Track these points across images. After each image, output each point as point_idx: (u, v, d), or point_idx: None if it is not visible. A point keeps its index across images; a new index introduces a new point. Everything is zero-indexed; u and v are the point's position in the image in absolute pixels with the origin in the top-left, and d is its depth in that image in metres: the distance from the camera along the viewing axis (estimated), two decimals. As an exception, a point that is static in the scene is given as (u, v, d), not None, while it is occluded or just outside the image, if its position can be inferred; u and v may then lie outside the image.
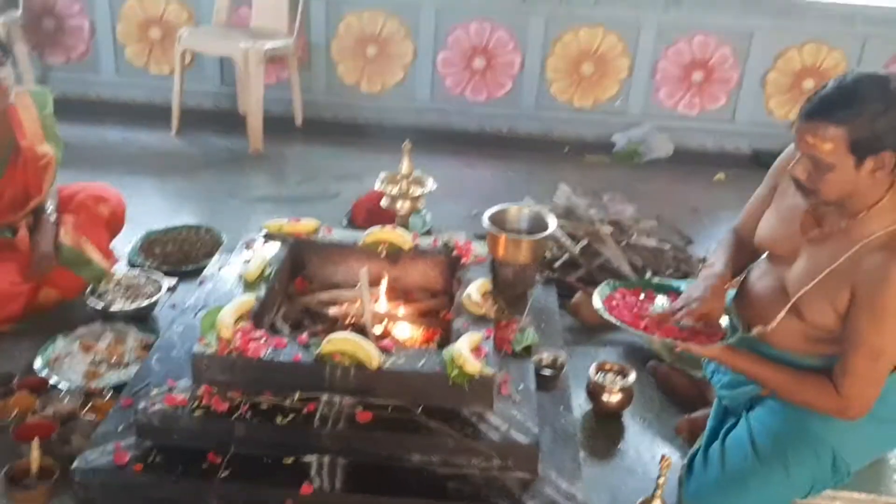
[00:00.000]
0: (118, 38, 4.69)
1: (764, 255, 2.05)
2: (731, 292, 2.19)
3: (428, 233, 3.27)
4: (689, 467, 1.96)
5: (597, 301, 1.94)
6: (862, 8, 4.38)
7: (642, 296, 2.02)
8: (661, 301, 1.98)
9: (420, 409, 1.87)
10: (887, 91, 1.60)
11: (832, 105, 1.63)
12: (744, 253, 2.05)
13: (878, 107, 1.59)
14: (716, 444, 1.94)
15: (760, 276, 2.01)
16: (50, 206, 2.72)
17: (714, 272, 1.93)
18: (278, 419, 1.84)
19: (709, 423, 2.08)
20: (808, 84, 4.52)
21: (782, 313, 1.83)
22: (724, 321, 1.90)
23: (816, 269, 1.78)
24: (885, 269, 1.64)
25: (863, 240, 1.72)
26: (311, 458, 1.84)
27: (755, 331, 1.88)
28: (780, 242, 1.91)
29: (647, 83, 4.61)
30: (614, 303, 1.97)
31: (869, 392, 1.74)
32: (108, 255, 2.84)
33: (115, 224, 2.96)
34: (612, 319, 1.88)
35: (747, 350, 1.86)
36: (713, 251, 2.13)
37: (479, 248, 2.50)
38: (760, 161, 4.50)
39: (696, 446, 2.03)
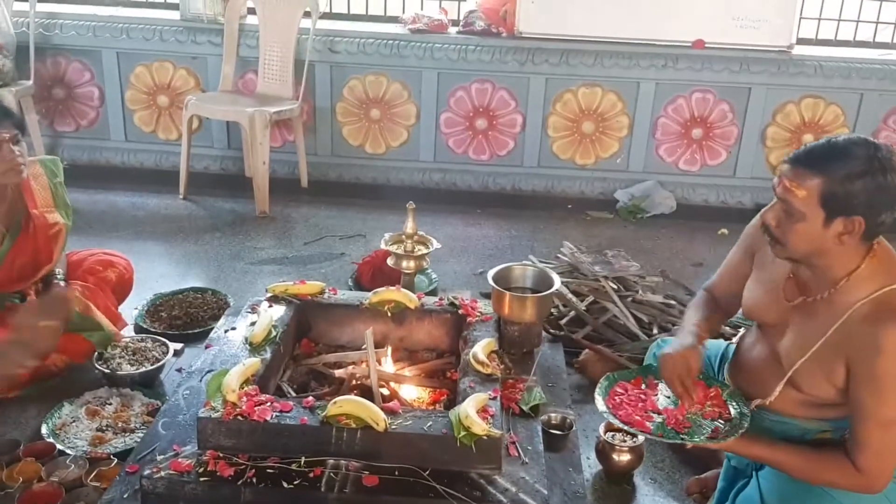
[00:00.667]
0: (127, 104, 4.79)
1: (754, 325, 2.07)
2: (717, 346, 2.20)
3: (433, 292, 3.28)
4: (702, 528, 1.93)
5: (600, 403, 1.93)
6: (857, 62, 4.46)
7: (643, 385, 2.01)
8: (664, 391, 1.97)
9: (427, 471, 1.85)
10: (873, 157, 1.61)
11: (817, 155, 1.66)
12: (716, 314, 2.11)
13: (859, 168, 1.61)
14: (727, 505, 1.91)
15: (753, 344, 2.02)
16: (59, 273, 2.74)
17: (687, 343, 1.94)
18: (285, 484, 1.82)
19: (719, 484, 2.05)
20: (808, 138, 4.57)
21: (779, 387, 1.84)
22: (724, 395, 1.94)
23: (807, 341, 1.78)
24: (876, 340, 1.64)
25: (848, 309, 1.71)
26: (318, 524, 1.82)
27: (754, 404, 1.89)
28: (766, 312, 1.93)
29: (647, 140, 4.67)
30: (617, 399, 1.96)
31: (888, 463, 1.72)
32: (117, 320, 2.85)
33: (123, 289, 2.98)
34: (625, 427, 1.87)
35: (758, 436, 1.85)
36: (687, 312, 2.15)
37: (485, 307, 2.50)
38: (763, 215, 4.53)
39: (707, 506, 2.00)
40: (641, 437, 2.17)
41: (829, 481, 1.77)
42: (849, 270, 1.72)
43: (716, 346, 2.46)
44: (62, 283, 2.73)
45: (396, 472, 1.85)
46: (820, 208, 1.64)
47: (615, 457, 2.29)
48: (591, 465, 2.34)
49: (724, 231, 4.29)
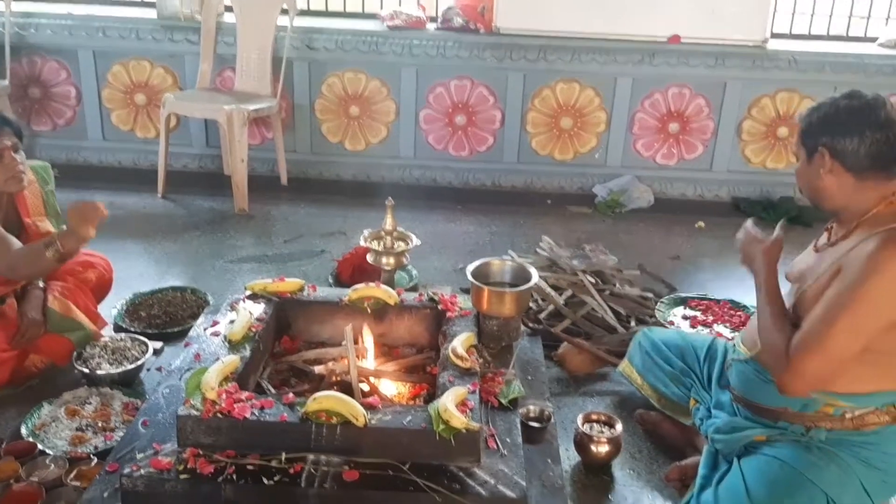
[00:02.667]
0: (104, 103, 4.76)
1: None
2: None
3: (414, 288, 3.29)
4: (682, 517, 1.96)
5: None
6: (831, 56, 4.51)
7: None
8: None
9: (407, 465, 1.87)
10: (836, 99, 1.88)
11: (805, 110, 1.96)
12: None
13: (814, 109, 1.91)
14: (708, 492, 1.94)
15: None
16: (38, 273, 2.73)
17: None
18: (265, 480, 1.83)
19: (700, 471, 2.08)
20: (783, 131, 4.63)
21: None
22: None
23: (813, 273, 1.93)
24: (873, 252, 1.75)
25: (857, 242, 1.84)
26: (299, 519, 1.83)
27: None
28: (800, 272, 2.03)
29: (624, 135, 4.70)
30: None
31: (813, 362, 1.78)
32: (97, 320, 2.84)
33: (102, 289, 2.97)
34: None
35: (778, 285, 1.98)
36: None
37: (464, 302, 2.52)
38: (739, 208, 4.58)
39: (688, 495, 2.03)
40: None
41: (771, 350, 1.88)
42: (862, 213, 1.88)
43: (700, 339, 2.50)
44: (41, 285, 2.72)
45: (377, 467, 1.87)
46: (801, 147, 1.93)
47: (593, 448, 2.32)
48: (569, 456, 2.37)
49: (701, 224, 4.33)
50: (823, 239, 2.02)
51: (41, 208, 2.71)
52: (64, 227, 2.69)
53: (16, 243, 2.53)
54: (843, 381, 1.87)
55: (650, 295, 3.30)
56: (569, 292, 3.19)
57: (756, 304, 1.99)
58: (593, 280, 3.26)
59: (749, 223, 2.12)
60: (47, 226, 2.69)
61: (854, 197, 1.88)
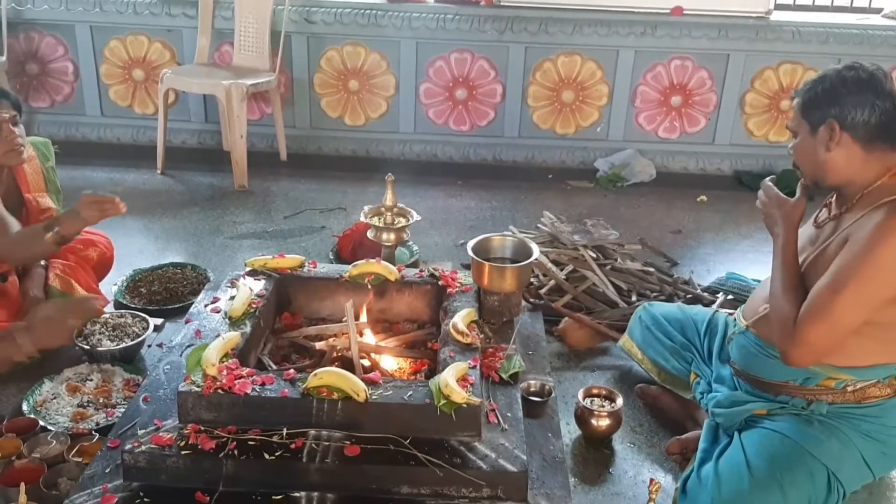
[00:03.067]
0: (102, 79, 4.73)
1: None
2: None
3: (415, 264, 3.29)
4: (683, 490, 1.96)
5: None
6: (835, 28, 4.47)
7: None
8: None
9: (408, 440, 1.87)
10: (839, 70, 1.87)
11: (800, 86, 1.96)
12: None
13: (820, 80, 1.88)
14: (709, 466, 1.94)
15: None
16: (41, 252, 2.72)
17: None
18: (266, 456, 1.83)
19: (700, 444, 2.08)
20: (786, 104, 4.59)
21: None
22: None
23: (815, 245, 1.93)
24: (882, 221, 1.75)
25: (862, 212, 1.84)
26: (301, 494, 1.83)
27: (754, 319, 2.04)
28: (801, 245, 2.00)
29: (626, 108, 4.67)
30: None
31: (819, 332, 1.79)
32: (98, 297, 2.84)
33: (103, 267, 2.97)
34: None
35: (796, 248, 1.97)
36: None
37: (465, 278, 2.51)
38: (742, 182, 4.56)
39: (688, 468, 2.03)
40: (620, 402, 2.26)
41: (779, 318, 1.88)
42: (866, 186, 1.87)
43: (701, 312, 2.50)
44: (42, 263, 2.72)
45: (378, 442, 1.87)
46: (804, 121, 1.91)
47: (594, 422, 2.32)
48: (570, 430, 2.37)
49: (703, 198, 4.31)
50: (824, 214, 2.01)
51: (42, 184, 2.70)
52: (63, 210, 2.69)
53: (14, 225, 2.52)
54: (843, 354, 1.87)
55: (652, 269, 3.29)
56: (570, 267, 3.18)
57: (772, 269, 1.96)
58: (594, 255, 3.25)
59: (767, 183, 2.06)
60: (48, 202, 2.68)
61: (860, 169, 1.87)
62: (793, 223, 1.94)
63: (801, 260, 1.95)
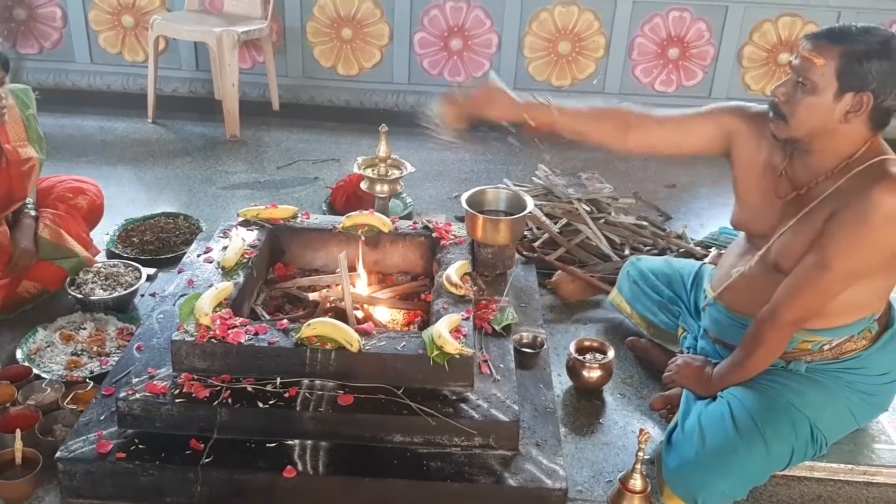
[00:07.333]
0: (91, 25, 4.63)
1: (740, 237, 2.12)
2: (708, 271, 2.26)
3: (408, 216, 3.28)
4: (669, 442, 1.99)
5: None
6: (836, -19, 4.40)
7: None
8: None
9: (401, 390, 1.89)
10: (889, 44, 1.69)
11: (837, 31, 1.74)
12: (602, 122, 2.24)
13: (878, 50, 1.67)
14: (692, 419, 1.95)
15: (740, 257, 2.07)
16: (29, 202, 2.70)
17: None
18: (260, 404, 1.85)
19: (683, 398, 2.10)
20: (784, 58, 4.54)
21: (758, 255, 1.93)
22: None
23: (789, 218, 1.87)
24: (871, 195, 1.69)
25: (839, 180, 1.78)
26: (294, 442, 1.86)
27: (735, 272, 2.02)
28: (760, 217, 1.98)
29: (623, 60, 4.61)
30: None
31: (801, 300, 1.80)
32: (89, 246, 2.82)
33: (94, 215, 2.95)
34: None
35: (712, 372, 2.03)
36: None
37: (459, 230, 2.51)
38: (737, 136, 4.53)
39: (673, 422, 2.06)
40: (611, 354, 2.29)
41: (753, 335, 1.91)
42: (844, 157, 1.78)
43: (689, 266, 2.51)
44: (32, 213, 2.70)
45: (371, 391, 1.89)
46: (835, 79, 1.70)
47: (585, 374, 2.34)
48: (561, 381, 2.39)
49: (699, 152, 4.28)
50: (785, 186, 1.91)
51: (22, 133, 2.64)
52: (45, 158, 2.68)
53: None
54: (820, 319, 1.89)
55: (645, 223, 3.29)
56: (563, 220, 3.18)
57: (728, 376, 2.00)
58: (588, 208, 3.24)
59: (681, 360, 2.15)
60: (29, 151, 2.64)
61: (852, 143, 1.78)
62: (693, 376, 2.07)
63: (774, 235, 1.92)
